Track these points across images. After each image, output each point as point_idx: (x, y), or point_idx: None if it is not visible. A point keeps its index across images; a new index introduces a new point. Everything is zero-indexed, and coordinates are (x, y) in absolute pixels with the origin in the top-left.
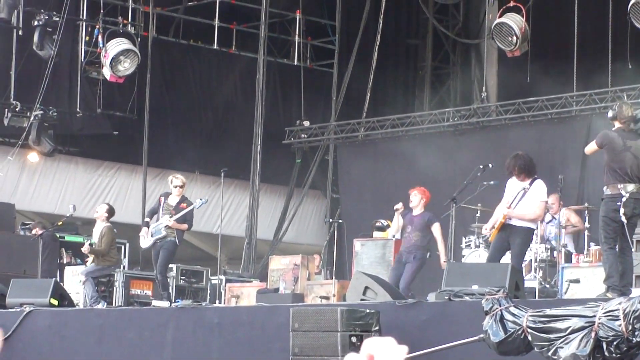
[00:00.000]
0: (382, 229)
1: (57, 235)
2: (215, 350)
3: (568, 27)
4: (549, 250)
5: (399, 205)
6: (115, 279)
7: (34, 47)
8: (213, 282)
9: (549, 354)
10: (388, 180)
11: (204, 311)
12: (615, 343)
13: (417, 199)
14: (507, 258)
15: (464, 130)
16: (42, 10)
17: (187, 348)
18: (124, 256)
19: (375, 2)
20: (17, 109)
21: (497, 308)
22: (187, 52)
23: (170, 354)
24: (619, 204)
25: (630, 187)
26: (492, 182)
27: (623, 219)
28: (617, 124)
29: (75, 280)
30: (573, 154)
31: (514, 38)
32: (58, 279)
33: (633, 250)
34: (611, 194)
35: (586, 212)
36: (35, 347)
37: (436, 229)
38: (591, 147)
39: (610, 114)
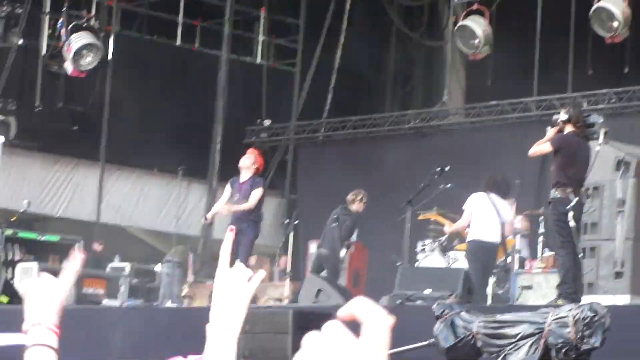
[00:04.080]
0: None
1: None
2: (166, 352)
3: (530, 31)
4: (503, 257)
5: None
6: None
7: None
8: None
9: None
10: (347, 182)
11: (155, 312)
12: (564, 350)
13: (248, 161)
14: None
15: (425, 133)
16: (5, 2)
17: (136, 349)
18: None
19: (340, 2)
20: None
21: (448, 313)
22: (150, 47)
23: (119, 354)
24: (568, 207)
25: (579, 192)
26: (448, 185)
27: (572, 223)
28: (570, 128)
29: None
30: (533, 160)
31: (477, 41)
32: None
33: (582, 256)
34: (560, 197)
35: (541, 218)
36: None
37: (256, 194)
38: (543, 149)
39: (563, 116)
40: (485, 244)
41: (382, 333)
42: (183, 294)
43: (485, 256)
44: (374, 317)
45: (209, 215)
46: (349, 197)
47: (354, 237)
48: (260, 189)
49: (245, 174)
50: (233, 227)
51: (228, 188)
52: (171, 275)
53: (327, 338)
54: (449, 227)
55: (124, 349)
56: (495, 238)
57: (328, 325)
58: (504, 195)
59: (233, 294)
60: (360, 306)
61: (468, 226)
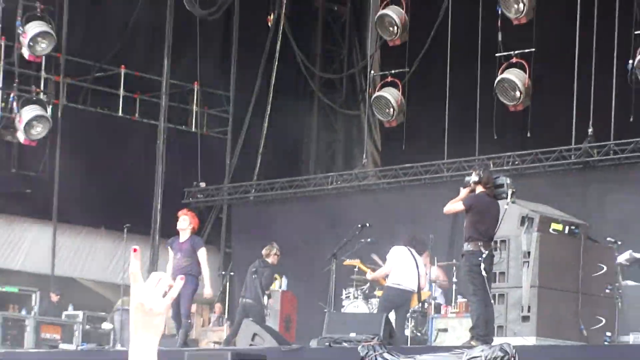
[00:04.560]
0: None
1: None
2: None
3: (440, 101)
4: (421, 303)
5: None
6: (26, 323)
7: None
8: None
9: None
10: (277, 237)
11: (106, 354)
12: None
13: (185, 223)
14: None
15: (346, 193)
16: None
17: None
18: (34, 303)
19: (266, 76)
20: None
21: (372, 354)
22: (94, 117)
23: None
24: (480, 259)
25: (490, 246)
26: (369, 240)
27: (484, 273)
28: (481, 188)
29: None
30: (445, 216)
31: (391, 110)
32: None
33: (493, 302)
34: (472, 250)
35: (454, 268)
36: None
37: (202, 254)
38: (456, 207)
39: (474, 178)
40: (403, 290)
41: None
42: None
43: (401, 301)
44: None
45: (168, 282)
46: (264, 251)
47: (284, 286)
48: (203, 248)
49: (184, 235)
50: (183, 277)
51: (170, 250)
52: (123, 321)
53: None
54: (370, 274)
55: None
56: (413, 286)
57: None
58: (420, 252)
59: (150, 300)
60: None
61: (386, 275)
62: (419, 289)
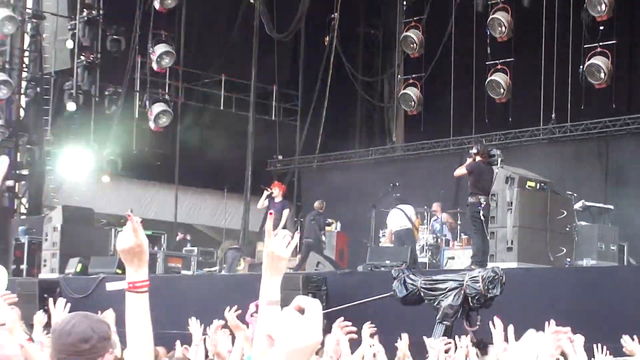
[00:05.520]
0: (329, 224)
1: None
2: (224, 305)
3: (447, 95)
4: (435, 239)
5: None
6: (157, 256)
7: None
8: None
9: (435, 304)
10: (333, 194)
11: (214, 277)
12: (476, 297)
13: (277, 192)
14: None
15: (381, 162)
16: (110, 85)
17: (202, 303)
18: (163, 242)
19: (324, 80)
20: None
21: (401, 275)
22: (204, 111)
23: (194, 308)
24: (479, 207)
25: (485, 198)
26: (397, 195)
27: (482, 218)
28: (479, 158)
29: None
30: (452, 177)
31: (413, 103)
32: None
33: (489, 238)
34: (474, 202)
35: (458, 214)
36: (109, 304)
37: (285, 213)
38: (461, 171)
39: (474, 150)
40: (405, 230)
41: (316, 312)
42: (239, 267)
43: (406, 235)
44: (310, 303)
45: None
46: (317, 204)
47: (338, 228)
48: (287, 209)
49: (277, 199)
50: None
51: (267, 202)
52: (233, 256)
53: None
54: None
55: (197, 302)
56: (409, 225)
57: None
58: (404, 202)
59: (278, 249)
60: (302, 300)
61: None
62: (412, 224)
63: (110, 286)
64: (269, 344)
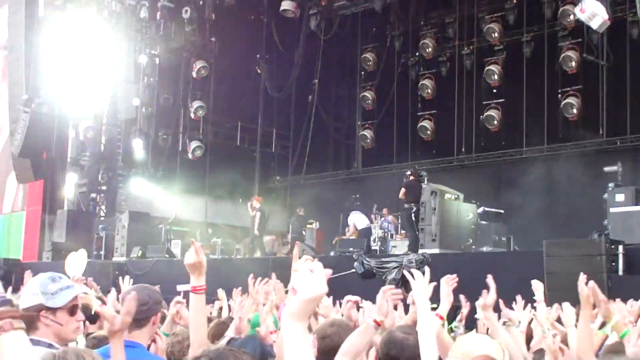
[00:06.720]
0: (310, 223)
1: (168, 227)
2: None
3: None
4: (384, 233)
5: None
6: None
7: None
8: None
9: (383, 277)
10: (314, 203)
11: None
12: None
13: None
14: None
15: (347, 181)
16: (162, 128)
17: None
18: (198, 235)
19: (308, 126)
20: None
21: (360, 258)
22: (225, 146)
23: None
24: (412, 212)
25: (416, 204)
26: (356, 203)
27: (413, 218)
28: (412, 177)
29: (176, 248)
30: (395, 194)
31: (369, 140)
32: None
33: (418, 233)
34: (407, 207)
35: (399, 216)
36: (159, 280)
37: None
38: (402, 192)
39: (409, 172)
40: (364, 229)
41: (320, 271)
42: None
43: (365, 233)
44: (316, 266)
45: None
46: (298, 210)
47: (317, 226)
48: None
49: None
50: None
51: (257, 206)
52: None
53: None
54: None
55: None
56: (367, 224)
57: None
58: (358, 210)
59: (307, 288)
60: (310, 264)
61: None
62: (368, 227)
63: (180, 288)
64: (293, 293)
